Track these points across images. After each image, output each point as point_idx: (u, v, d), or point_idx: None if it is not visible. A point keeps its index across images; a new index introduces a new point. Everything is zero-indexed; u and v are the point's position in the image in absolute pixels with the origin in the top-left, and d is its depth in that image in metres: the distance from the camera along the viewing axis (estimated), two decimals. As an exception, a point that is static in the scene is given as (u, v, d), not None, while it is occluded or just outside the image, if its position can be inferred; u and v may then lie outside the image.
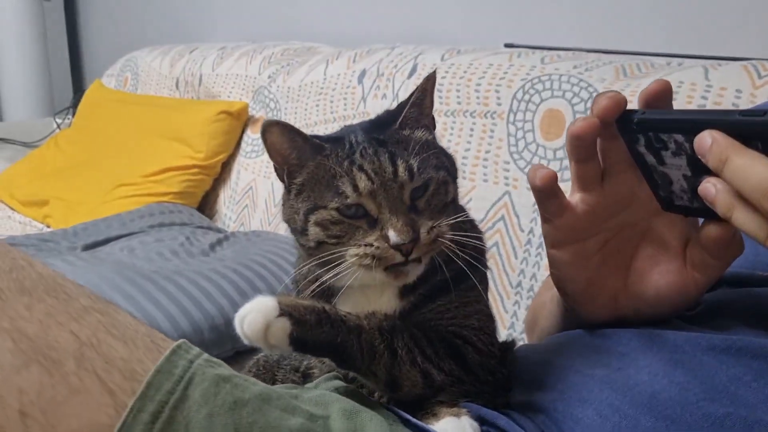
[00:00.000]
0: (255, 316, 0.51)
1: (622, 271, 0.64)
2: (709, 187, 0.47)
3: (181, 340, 0.48)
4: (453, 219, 0.61)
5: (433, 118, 0.66)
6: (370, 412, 0.48)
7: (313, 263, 0.62)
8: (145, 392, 0.43)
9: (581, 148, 0.57)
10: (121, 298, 1.15)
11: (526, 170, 1.26)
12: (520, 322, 1.21)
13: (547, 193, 0.60)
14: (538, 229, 1.19)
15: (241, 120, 1.97)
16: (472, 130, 1.36)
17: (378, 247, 0.58)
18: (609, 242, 0.63)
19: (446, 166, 0.63)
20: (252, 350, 1.19)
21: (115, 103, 2.32)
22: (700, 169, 0.48)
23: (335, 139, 0.63)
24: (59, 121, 2.67)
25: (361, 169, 0.59)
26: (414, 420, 0.55)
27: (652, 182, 0.55)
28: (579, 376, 0.61)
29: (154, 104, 2.21)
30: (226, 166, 2.00)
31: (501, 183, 1.29)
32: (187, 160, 1.95)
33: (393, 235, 0.57)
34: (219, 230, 1.76)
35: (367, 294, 0.63)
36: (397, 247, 0.57)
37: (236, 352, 1.19)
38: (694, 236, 0.59)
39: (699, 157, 0.46)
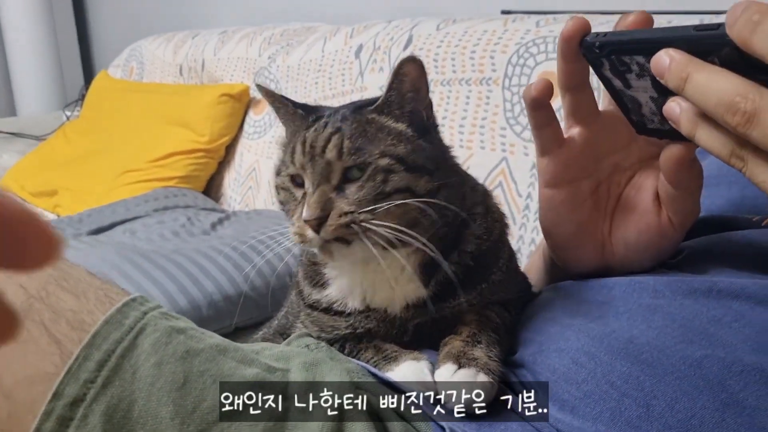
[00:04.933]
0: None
1: (608, 216, 0.62)
2: (673, 106, 0.46)
3: (137, 294, 0.48)
4: (386, 205, 0.57)
5: (427, 105, 0.63)
6: (330, 363, 0.47)
7: None
8: (91, 341, 0.43)
9: (568, 53, 0.54)
10: (120, 277, 1.16)
11: (523, 135, 1.24)
12: (520, 289, 1.19)
13: (542, 112, 0.57)
14: (536, 194, 1.17)
15: (242, 102, 1.96)
16: (468, 97, 1.34)
17: (298, 226, 0.58)
18: (600, 186, 0.62)
19: (400, 156, 0.58)
20: (253, 326, 1.19)
21: (120, 92, 2.33)
22: (665, 90, 0.47)
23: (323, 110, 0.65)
24: (68, 113, 2.69)
25: (303, 141, 0.60)
26: (374, 370, 0.55)
27: (623, 107, 0.54)
28: (558, 326, 0.60)
29: (158, 91, 2.22)
30: (231, 148, 2.00)
31: (498, 149, 1.27)
32: (191, 144, 1.95)
33: (305, 210, 0.57)
34: (222, 211, 1.76)
35: (385, 278, 0.62)
36: (307, 222, 0.57)
37: (236, 328, 1.19)
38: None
39: (658, 78, 0.45)
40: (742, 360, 0.49)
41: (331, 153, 0.58)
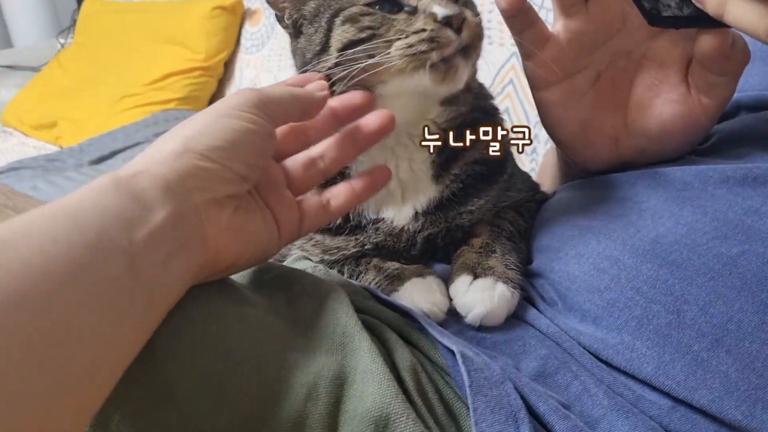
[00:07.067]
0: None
1: (620, 107, 0.55)
2: None
3: None
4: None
5: None
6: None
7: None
8: None
9: None
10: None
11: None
12: (537, 191, 1.13)
13: (518, 19, 0.52)
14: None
15: (237, 14, 1.87)
16: (472, -12, 1.24)
17: (431, 29, 0.49)
18: (602, 76, 0.55)
19: None
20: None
21: (110, 14, 2.24)
22: None
23: None
24: (62, 41, 2.59)
25: None
26: (377, 292, 0.50)
27: None
28: (575, 229, 0.54)
29: (148, 10, 2.12)
30: (229, 65, 1.93)
31: (507, 44, 1.18)
32: (188, 62, 1.88)
33: (439, 9, 0.50)
34: (225, 131, 1.71)
35: (400, 183, 0.58)
36: (447, 22, 0.49)
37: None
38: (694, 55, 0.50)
39: None
40: None
41: None
